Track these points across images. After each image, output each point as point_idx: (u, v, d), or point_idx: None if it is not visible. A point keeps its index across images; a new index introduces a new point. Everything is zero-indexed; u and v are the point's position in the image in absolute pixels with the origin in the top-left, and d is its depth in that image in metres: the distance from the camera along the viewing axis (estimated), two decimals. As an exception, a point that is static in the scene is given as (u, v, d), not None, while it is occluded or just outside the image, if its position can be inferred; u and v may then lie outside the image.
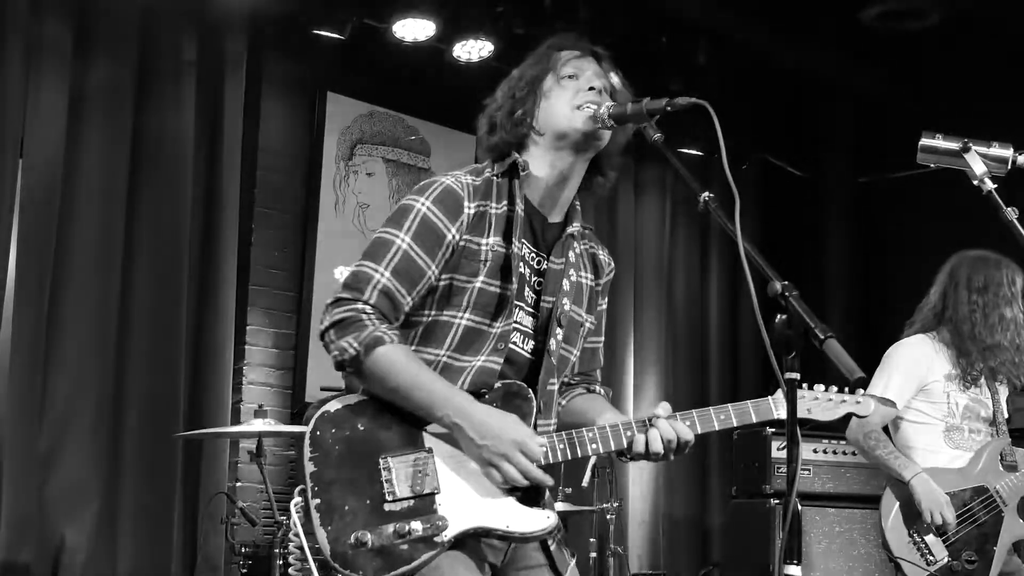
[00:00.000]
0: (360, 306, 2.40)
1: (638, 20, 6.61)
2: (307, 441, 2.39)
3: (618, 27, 6.28)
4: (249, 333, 6.05)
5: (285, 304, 6.19)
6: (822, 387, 2.60)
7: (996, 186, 2.53)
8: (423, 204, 2.46)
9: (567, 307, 2.56)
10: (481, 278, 2.45)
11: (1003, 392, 4.37)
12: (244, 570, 4.46)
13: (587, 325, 2.67)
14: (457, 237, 2.45)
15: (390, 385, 2.39)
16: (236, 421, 5.71)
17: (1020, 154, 2.60)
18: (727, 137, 2.25)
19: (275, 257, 6.23)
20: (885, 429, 4.36)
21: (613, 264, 2.78)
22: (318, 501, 2.35)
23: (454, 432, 2.37)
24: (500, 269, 2.47)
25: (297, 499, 2.41)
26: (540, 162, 2.55)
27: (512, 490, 2.41)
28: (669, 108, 2.40)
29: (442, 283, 2.47)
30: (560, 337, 2.55)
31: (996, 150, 2.59)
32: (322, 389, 5.85)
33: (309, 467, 2.37)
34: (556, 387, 2.59)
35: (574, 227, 2.61)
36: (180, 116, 5.65)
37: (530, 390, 2.48)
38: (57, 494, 5.08)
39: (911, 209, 7.90)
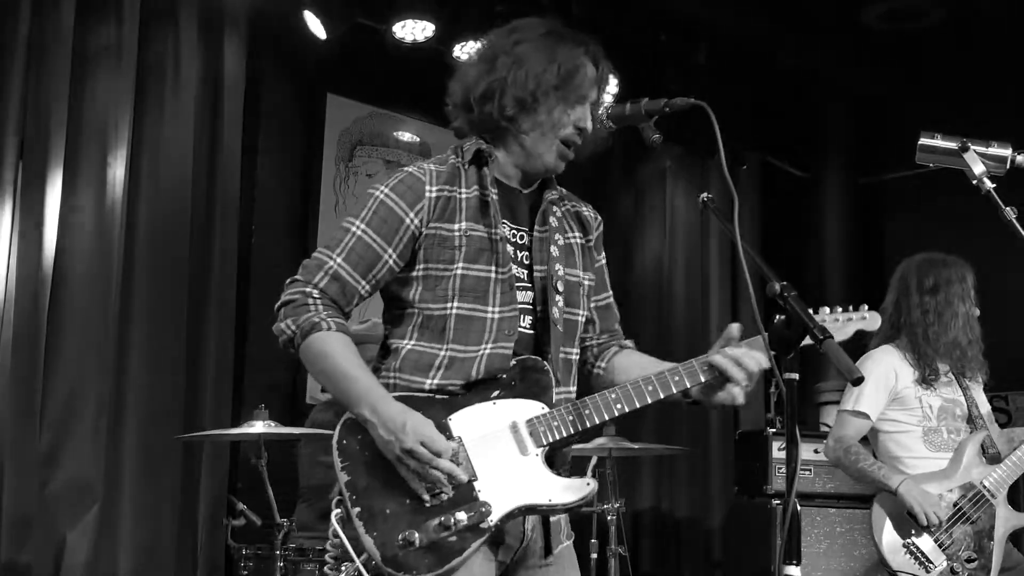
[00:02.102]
0: (309, 289, 2.45)
1: (637, 18, 6.60)
2: (335, 451, 2.40)
3: (616, 25, 6.28)
4: (250, 334, 6.05)
5: (285, 305, 6.18)
6: (826, 309, 2.59)
7: (995, 186, 2.54)
8: (382, 191, 2.49)
9: (560, 272, 2.55)
10: (460, 264, 2.45)
11: (976, 389, 4.38)
12: (245, 572, 4.45)
13: (586, 283, 2.65)
14: (418, 222, 2.46)
15: (318, 369, 2.44)
16: (237, 422, 5.70)
17: (1019, 153, 2.60)
18: (726, 137, 2.25)
19: (275, 258, 6.22)
20: (864, 443, 4.37)
21: (600, 218, 2.76)
22: (358, 509, 2.35)
23: (368, 428, 2.37)
24: (480, 252, 2.46)
25: (336, 510, 2.40)
26: (515, 159, 2.56)
27: (548, 464, 2.41)
28: (667, 109, 2.40)
29: (419, 274, 2.48)
30: (561, 303, 2.54)
31: (995, 149, 2.59)
32: (323, 391, 5.85)
33: (343, 477, 2.37)
34: (572, 355, 2.59)
35: (552, 194, 2.61)
36: (179, 119, 5.65)
37: (544, 362, 2.47)
38: (58, 494, 5.07)
39: (910, 209, 7.91)
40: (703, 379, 2.44)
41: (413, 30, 6.16)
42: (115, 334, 5.33)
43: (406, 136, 6.82)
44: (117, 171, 5.39)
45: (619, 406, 2.44)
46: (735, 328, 2.45)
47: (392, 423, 2.33)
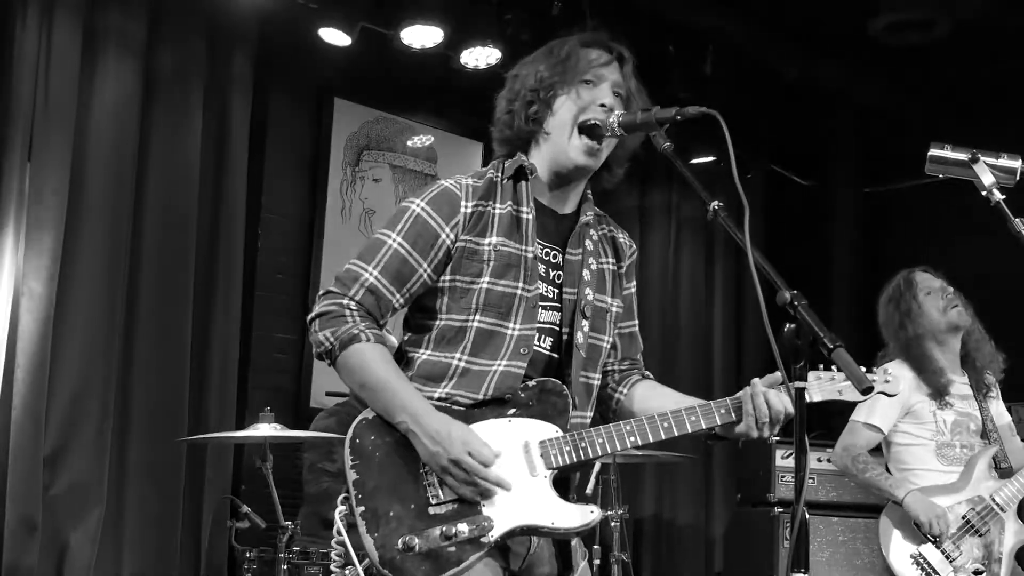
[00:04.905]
0: (345, 301, 2.46)
1: (645, 29, 6.61)
2: (347, 449, 2.41)
3: (625, 35, 6.27)
4: (255, 338, 6.06)
5: (291, 309, 6.20)
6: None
7: (1004, 197, 2.54)
8: (418, 205, 2.50)
9: (590, 297, 2.56)
10: (487, 279, 2.46)
11: (994, 402, 4.40)
12: (249, 574, 4.46)
13: (614, 310, 2.66)
14: (452, 237, 2.47)
15: (358, 381, 2.44)
16: (241, 425, 5.71)
17: (1028, 165, 2.60)
18: (734, 146, 2.26)
19: (281, 262, 6.24)
20: (876, 453, 4.39)
21: (635, 246, 2.78)
22: (363, 508, 2.36)
23: (410, 438, 2.38)
24: (508, 268, 2.47)
25: (341, 507, 2.41)
26: (546, 163, 2.57)
27: (554, 486, 2.41)
28: (679, 117, 2.40)
29: (445, 284, 2.49)
30: (586, 328, 2.55)
31: (1004, 161, 2.60)
32: (327, 394, 5.85)
33: (351, 475, 2.39)
34: (593, 380, 2.60)
35: (587, 216, 2.61)
36: (187, 124, 5.67)
37: (564, 386, 2.48)
38: (62, 497, 5.08)
39: (917, 220, 7.91)
40: (719, 421, 2.45)
41: (421, 36, 6.17)
42: (120, 337, 5.34)
43: (413, 141, 6.83)
44: (124, 176, 5.41)
45: (632, 439, 2.44)
46: (773, 376, 2.43)
47: (437, 434, 2.35)
